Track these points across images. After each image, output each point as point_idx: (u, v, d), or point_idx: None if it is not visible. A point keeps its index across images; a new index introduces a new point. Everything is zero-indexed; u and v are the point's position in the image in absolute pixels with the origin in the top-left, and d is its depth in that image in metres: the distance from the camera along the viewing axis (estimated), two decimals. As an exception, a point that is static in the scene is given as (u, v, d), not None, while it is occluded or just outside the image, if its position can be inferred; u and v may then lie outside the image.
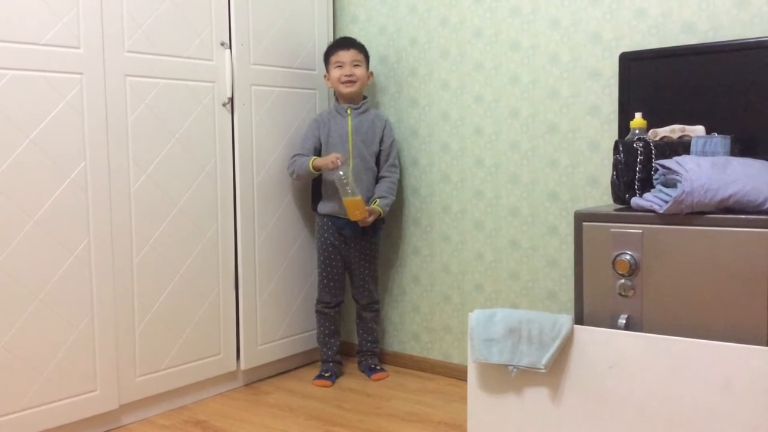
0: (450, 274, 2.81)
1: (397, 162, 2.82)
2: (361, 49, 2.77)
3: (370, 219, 2.66)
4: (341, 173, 2.56)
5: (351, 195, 2.57)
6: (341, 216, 2.71)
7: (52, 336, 2.11)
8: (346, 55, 2.72)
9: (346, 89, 2.72)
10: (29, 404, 2.07)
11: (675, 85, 2.12)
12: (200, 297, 2.52)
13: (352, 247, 2.78)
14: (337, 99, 2.81)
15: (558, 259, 2.52)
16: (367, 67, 2.79)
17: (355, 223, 2.68)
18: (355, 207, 2.58)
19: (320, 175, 2.75)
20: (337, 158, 2.58)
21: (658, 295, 1.75)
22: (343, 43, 2.77)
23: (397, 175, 2.81)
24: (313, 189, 2.84)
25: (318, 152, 2.74)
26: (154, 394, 2.40)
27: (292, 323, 2.87)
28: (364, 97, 2.80)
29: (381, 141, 2.78)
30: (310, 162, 2.65)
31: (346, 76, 2.71)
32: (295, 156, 2.73)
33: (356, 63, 2.73)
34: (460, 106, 2.73)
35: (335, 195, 2.68)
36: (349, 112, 2.74)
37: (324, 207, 2.76)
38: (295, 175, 2.74)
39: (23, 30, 2.01)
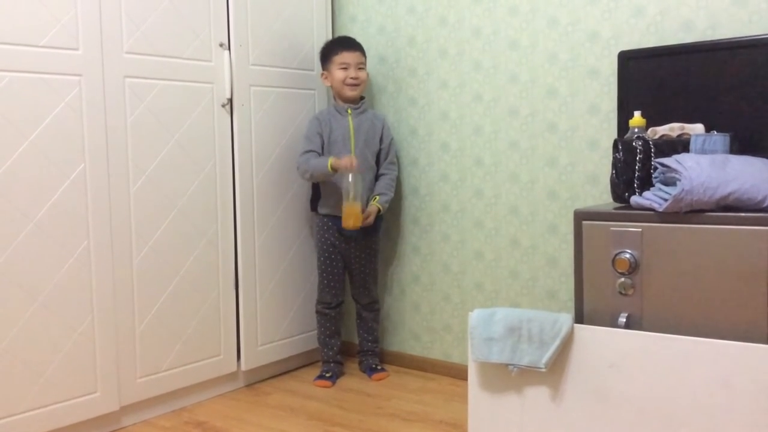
0: (450, 274, 2.81)
1: (395, 159, 2.83)
2: (363, 50, 2.78)
3: (370, 219, 2.66)
4: (350, 178, 2.56)
5: (352, 201, 2.57)
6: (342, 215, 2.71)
7: (53, 338, 2.11)
8: (351, 57, 2.72)
9: (350, 92, 2.72)
10: (30, 406, 2.07)
11: (674, 84, 2.12)
12: (200, 298, 2.52)
13: (353, 247, 2.78)
14: (334, 98, 2.81)
15: (558, 258, 2.52)
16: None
17: (355, 222, 2.70)
18: (352, 214, 2.58)
19: None
20: (355, 162, 2.56)
21: (658, 294, 1.75)
22: (348, 43, 2.76)
23: (396, 173, 2.82)
24: (312, 189, 2.84)
25: (322, 150, 2.73)
26: (154, 396, 2.40)
27: (293, 324, 2.87)
28: (362, 97, 2.80)
29: (381, 140, 2.78)
30: (329, 163, 2.59)
31: (351, 78, 2.70)
32: (306, 153, 2.68)
33: (360, 66, 2.74)
34: (459, 105, 2.73)
35: (334, 194, 2.68)
36: (349, 112, 2.74)
37: (324, 207, 2.76)
38: (308, 175, 2.67)
39: (22, 32, 2.01)
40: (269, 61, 2.72)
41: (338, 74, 2.72)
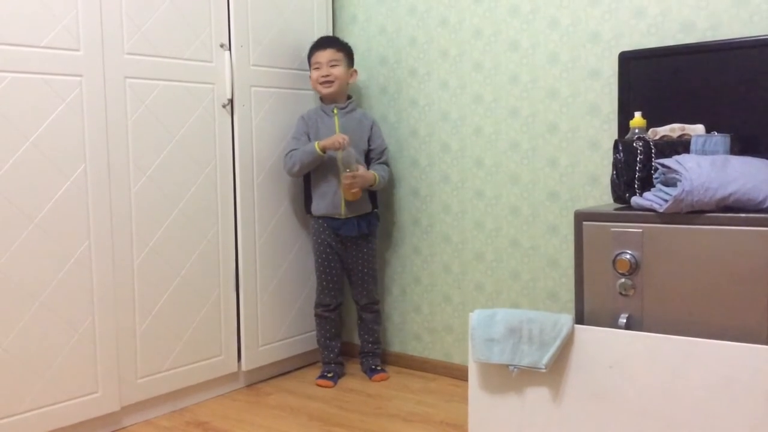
0: (451, 274, 2.81)
1: (388, 161, 2.82)
2: (340, 47, 2.74)
3: (365, 177, 2.64)
4: (343, 152, 2.58)
5: (351, 171, 2.59)
6: (337, 216, 2.70)
7: (53, 338, 2.12)
8: (322, 56, 2.71)
9: (324, 90, 2.72)
10: (31, 406, 2.07)
11: (674, 84, 2.12)
12: (201, 298, 2.52)
13: (350, 248, 2.78)
14: (321, 99, 2.80)
15: (558, 259, 2.52)
16: (351, 65, 2.78)
17: (352, 222, 2.70)
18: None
19: (309, 176, 2.75)
20: (344, 139, 2.58)
21: (658, 294, 1.75)
22: (320, 43, 2.76)
23: (389, 168, 2.81)
24: (304, 191, 2.82)
25: None
26: (155, 396, 2.40)
27: (293, 324, 2.87)
28: (350, 97, 2.80)
29: (369, 140, 2.77)
30: (316, 144, 2.61)
31: (323, 77, 2.70)
32: (290, 152, 2.69)
33: (333, 63, 2.71)
34: (459, 106, 2.73)
35: (326, 192, 2.69)
36: (335, 112, 2.74)
37: (318, 208, 2.74)
38: (297, 167, 2.66)
39: (23, 32, 2.02)
40: (270, 62, 2.72)
41: (313, 75, 2.73)
